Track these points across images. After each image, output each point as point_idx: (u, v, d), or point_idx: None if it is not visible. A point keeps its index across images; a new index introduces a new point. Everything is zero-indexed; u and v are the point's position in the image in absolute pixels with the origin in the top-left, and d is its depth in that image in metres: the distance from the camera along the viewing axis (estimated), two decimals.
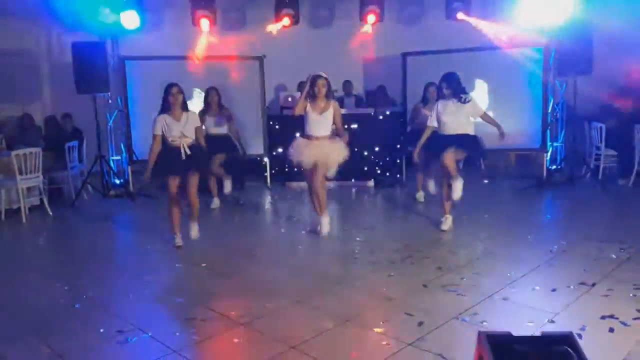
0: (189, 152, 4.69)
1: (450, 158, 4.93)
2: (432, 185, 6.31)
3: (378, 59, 8.94)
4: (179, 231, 4.95)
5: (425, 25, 8.74)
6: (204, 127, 6.16)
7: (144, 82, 7.52)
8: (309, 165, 4.97)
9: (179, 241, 4.93)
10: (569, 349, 1.56)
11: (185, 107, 4.76)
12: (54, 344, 3.06)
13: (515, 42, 7.46)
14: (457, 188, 4.94)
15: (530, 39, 7.39)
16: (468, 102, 4.94)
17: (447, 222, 5.19)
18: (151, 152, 4.71)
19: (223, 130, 6.38)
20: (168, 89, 4.70)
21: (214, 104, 6.36)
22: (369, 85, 9.22)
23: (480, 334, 1.67)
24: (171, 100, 4.67)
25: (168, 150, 4.69)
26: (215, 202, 6.49)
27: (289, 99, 7.79)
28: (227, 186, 6.44)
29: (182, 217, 4.98)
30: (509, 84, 7.47)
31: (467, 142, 4.97)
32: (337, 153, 4.98)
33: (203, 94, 6.65)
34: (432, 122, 5.07)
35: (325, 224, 5.09)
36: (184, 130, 4.69)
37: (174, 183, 4.77)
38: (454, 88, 4.95)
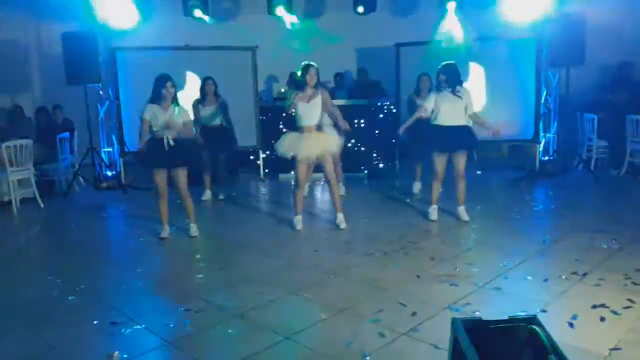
0: (172, 143, 4.66)
1: (441, 162, 5.05)
2: (417, 185, 6.54)
3: (371, 50, 8.90)
4: (166, 223, 4.95)
5: (418, 15, 8.71)
6: (200, 116, 6.14)
7: (135, 73, 7.43)
8: (307, 160, 4.95)
9: (164, 233, 4.93)
10: (535, 327, 1.64)
11: (175, 101, 4.74)
12: (47, 336, 3.05)
13: (508, 33, 7.45)
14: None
15: (523, 30, 7.38)
16: (459, 96, 4.93)
17: (434, 213, 5.25)
18: (141, 133, 4.66)
19: (218, 121, 6.30)
20: (163, 82, 4.66)
21: (210, 93, 6.28)
22: (361, 76, 9.16)
23: (454, 319, 1.75)
24: (164, 93, 4.65)
25: (154, 142, 4.69)
26: (207, 194, 6.47)
27: (282, 90, 7.75)
28: (221, 195, 6.46)
29: (177, 211, 4.97)
30: (502, 75, 7.46)
31: (461, 139, 4.99)
32: (332, 143, 5.01)
33: (195, 80, 6.56)
34: (423, 112, 5.06)
35: (342, 220, 5.15)
36: (169, 121, 4.66)
37: (160, 176, 4.75)
38: (450, 79, 4.94)
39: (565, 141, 7.37)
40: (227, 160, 6.59)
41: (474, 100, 5.12)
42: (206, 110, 6.22)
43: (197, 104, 6.21)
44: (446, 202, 5.43)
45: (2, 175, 6.13)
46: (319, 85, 4.96)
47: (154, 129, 4.68)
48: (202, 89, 6.30)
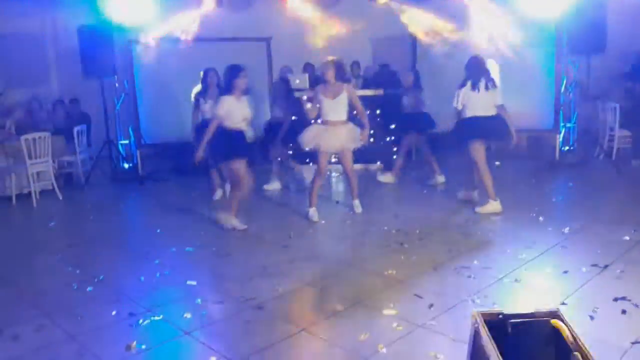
0: (250, 134, 4.77)
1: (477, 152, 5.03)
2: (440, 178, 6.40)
3: (387, 39, 8.81)
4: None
5: (435, 4, 8.57)
6: (200, 111, 5.94)
7: (150, 65, 7.47)
8: (329, 151, 5.02)
9: (241, 224, 4.91)
10: (558, 322, 1.64)
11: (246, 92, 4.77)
12: (66, 326, 3.09)
13: (527, 20, 7.28)
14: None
15: (543, 17, 7.22)
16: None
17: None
18: (209, 131, 4.62)
19: None
20: (236, 71, 4.64)
21: (213, 85, 5.99)
22: (383, 70, 9.07)
23: (474, 312, 1.73)
24: (238, 83, 4.63)
25: (229, 133, 4.64)
26: (218, 194, 6.35)
27: (297, 82, 7.70)
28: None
29: (198, 200, 4.99)
30: (521, 64, 7.32)
31: (492, 129, 4.98)
32: (354, 136, 5.00)
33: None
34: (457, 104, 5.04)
35: (358, 205, 5.30)
36: (247, 114, 4.71)
37: (242, 166, 4.73)
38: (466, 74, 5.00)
39: (586, 131, 7.23)
40: None
41: (458, 94, 5.00)
42: (208, 104, 5.86)
43: (198, 97, 5.97)
44: (464, 193, 5.37)
45: (22, 168, 6.22)
46: (340, 77, 4.92)
47: (230, 121, 4.63)
48: (204, 81, 6.02)
